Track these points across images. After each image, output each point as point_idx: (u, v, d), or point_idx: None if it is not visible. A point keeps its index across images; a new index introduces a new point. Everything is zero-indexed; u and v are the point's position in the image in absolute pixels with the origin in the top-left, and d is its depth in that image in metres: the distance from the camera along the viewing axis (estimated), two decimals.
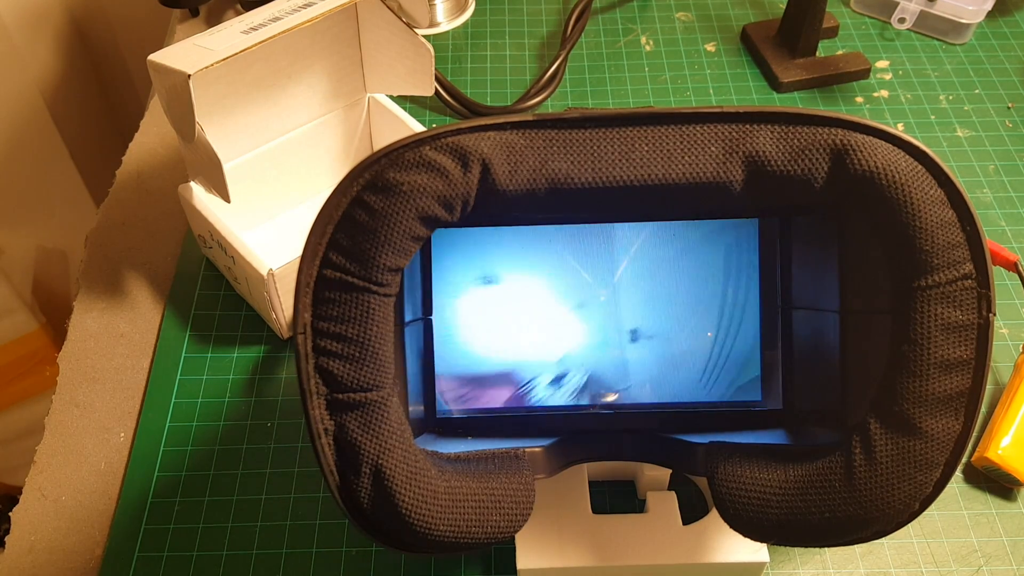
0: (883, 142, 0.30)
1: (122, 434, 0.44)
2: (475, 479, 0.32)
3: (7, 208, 0.78)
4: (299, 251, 0.32)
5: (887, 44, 0.64)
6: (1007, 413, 0.43)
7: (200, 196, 0.46)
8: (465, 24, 0.66)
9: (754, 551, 0.37)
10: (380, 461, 0.30)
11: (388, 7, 0.46)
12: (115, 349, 0.47)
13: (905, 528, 0.33)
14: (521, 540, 0.37)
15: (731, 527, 0.32)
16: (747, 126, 0.31)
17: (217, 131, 0.46)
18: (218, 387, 0.45)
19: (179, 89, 0.39)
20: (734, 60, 0.63)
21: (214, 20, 0.65)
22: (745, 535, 0.32)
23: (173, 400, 0.45)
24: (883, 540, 0.40)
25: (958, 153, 0.57)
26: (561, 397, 0.38)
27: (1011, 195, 0.54)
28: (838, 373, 0.35)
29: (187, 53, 0.39)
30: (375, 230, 0.30)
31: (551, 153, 0.30)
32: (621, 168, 0.30)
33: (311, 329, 0.30)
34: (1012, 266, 0.47)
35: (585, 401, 0.38)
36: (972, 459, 0.42)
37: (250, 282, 0.45)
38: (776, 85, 0.60)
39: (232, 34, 0.41)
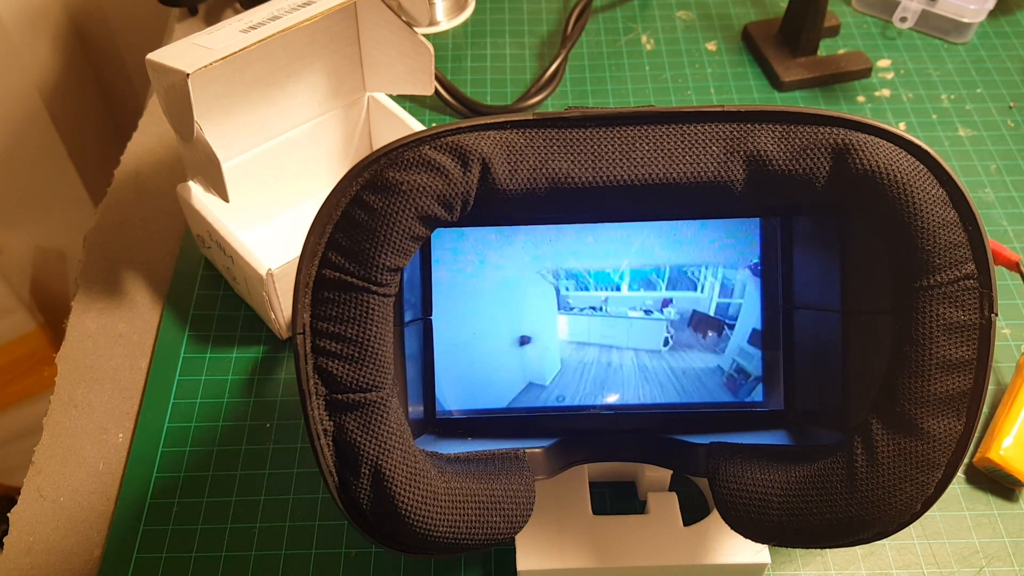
0: (885, 141, 0.30)
1: (120, 435, 0.44)
2: (475, 480, 0.32)
3: (5, 208, 0.77)
4: (298, 251, 0.32)
5: (889, 43, 0.64)
6: (1009, 413, 0.42)
7: (199, 196, 0.46)
8: (465, 23, 0.66)
9: (755, 552, 0.37)
10: (379, 462, 0.30)
11: (388, 6, 0.46)
12: (113, 349, 0.47)
13: (907, 529, 0.33)
14: (521, 541, 0.37)
15: (732, 528, 0.32)
16: (748, 125, 0.31)
17: (216, 130, 0.46)
18: (217, 388, 0.45)
19: (178, 88, 0.38)
20: (735, 59, 0.63)
21: (213, 19, 0.65)
22: (746, 536, 0.32)
23: (172, 401, 0.45)
24: (885, 541, 0.40)
25: (960, 152, 0.57)
26: (562, 397, 0.38)
27: (1013, 195, 0.54)
28: (840, 373, 0.35)
29: (186, 52, 0.39)
30: (374, 230, 0.29)
31: (551, 152, 0.30)
32: (622, 167, 0.30)
33: (310, 329, 0.30)
34: (1014, 266, 0.47)
35: (586, 402, 0.38)
36: (974, 460, 0.42)
37: (249, 282, 0.44)
38: (777, 84, 0.60)
39: (231, 33, 0.40)
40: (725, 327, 0.38)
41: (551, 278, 0.38)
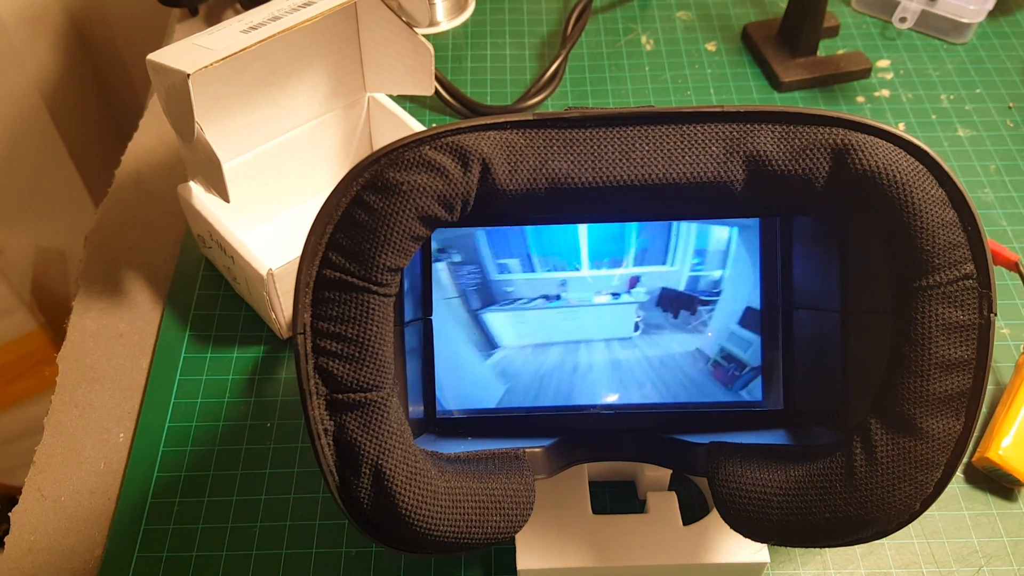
0: (884, 142, 0.30)
1: (121, 434, 0.44)
2: (475, 479, 0.32)
3: (6, 208, 0.78)
4: (299, 251, 0.32)
5: (888, 43, 0.64)
6: (1008, 413, 0.43)
7: (199, 196, 0.46)
8: (465, 23, 0.66)
9: (755, 551, 0.37)
10: (380, 461, 0.30)
11: (388, 6, 0.46)
12: (114, 349, 0.47)
13: (906, 528, 0.33)
14: (521, 540, 0.37)
15: (732, 527, 0.32)
16: (748, 126, 0.31)
17: (216, 131, 0.46)
18: (217, 387, 0.45)
19: (178, 88, 0.39)
20: (735, 59, 0.63)
21: (213, 19, 0.65)
22: (746, 535, 0.32)
23: (172, 400, 0.45)
24: (884, 540, 0.40)
25: (959, 153, 0.57)
26: (562, 397, 0.38)
27: (1012, 195, 0.54)
28: (839, 373, 0.35)
29: (186, 52, 0.39)
30: (375, 230, 0.29)
31: (551, 153, 0.30)
32: (621, 168, 0.30)
33: (311, 329, 0.30)
34: (1013, 266, 0.47)
35: (586, 401, 0.38)
36: (973, 459, 0.42)
37: (249, 282, 0.44)
38: (777, 84, 0.60)
39: (231, 33, 0.40)
40: (698, 304, 0.35)
41: (550, 277, 0.36)
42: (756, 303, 0.36)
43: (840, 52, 0.62)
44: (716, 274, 0.35)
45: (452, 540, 0.31)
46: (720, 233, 0.34)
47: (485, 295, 0.33)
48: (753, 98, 0.60)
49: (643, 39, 0.64)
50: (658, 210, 0.36)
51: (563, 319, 0.34)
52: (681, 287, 0.35)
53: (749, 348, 0.36)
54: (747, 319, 0.35)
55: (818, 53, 0.61)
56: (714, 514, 0.37)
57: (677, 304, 0.35)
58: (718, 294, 0.35)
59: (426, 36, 0.58)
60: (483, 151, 0.30)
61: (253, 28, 0.40)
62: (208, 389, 0.45)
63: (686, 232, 0.34)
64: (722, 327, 0.35)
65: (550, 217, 0.37)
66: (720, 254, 0.35)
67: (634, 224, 0.34)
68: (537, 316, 0.33)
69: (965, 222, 0.30)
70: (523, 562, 0.36)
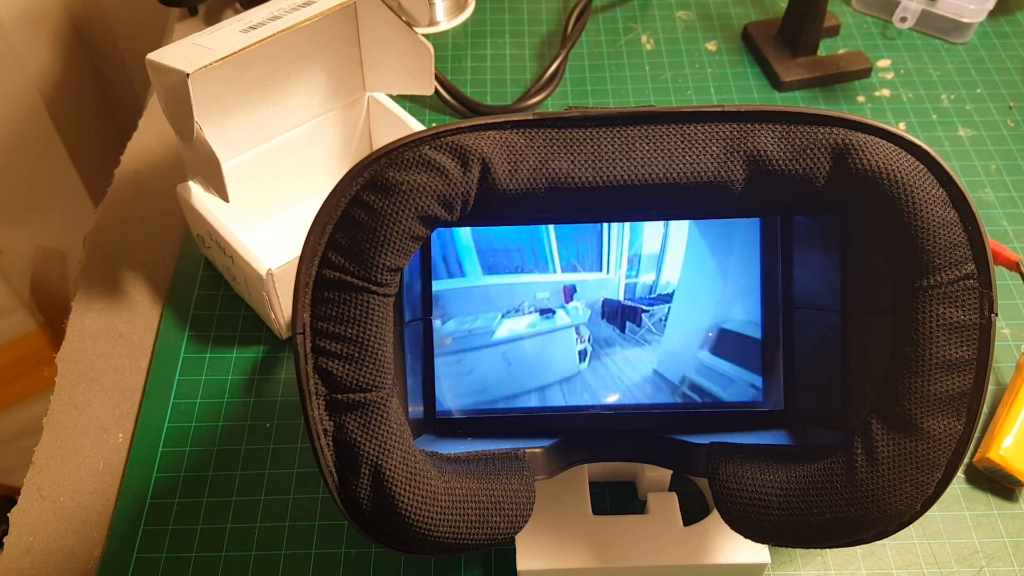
0: (885, 141, 0.30)
1: (120, 435, 0.44)
2: (475, 480, 0.32)
3: (5, 208, 0.77)
4: (298, 251, 0.32)
5: (889, 43, 0.64)
6: (1009, 413, 0.42)
7: (199, 196, 0.46)
8: (465, 23, 0.66)
9: (755, 552, 0.37)
10: (379, 462, 0.30)
11: (388, 6, 0.46)
12: (113, 349, 0.47)
13: (907, 529, 0.33)
14: (521, 541, 0.37)
15: (732, 528, 0.32)
16: (748, 125, 0.31)
17: (216, 130, 0.46)
18: (217, 388, 0.45)
19: (178, 88, 0.38)
20: (735, 59, 0.63)
21: (213, 19, 0.65)
22: (746, 536, 0.32)
23: (172, 400, 0.45)
24: (885, 541, 0.40)
25: (960, 152, 0.57)
26: (562, 397, 0.38)
27: (1013, 195, 0.54)
28: (840, 373, 0.35)
29: (186, 52, 0.39)
30: (374, 229, 0.29)
31: (551, 152, 0.30)
32: (621, 167, 0.30)
33: (310, 329, 0.30)
34: (1014, 266, 0.47)
35: (586, 401, 0.38)
36: (974, 460, 0.42)
37: (249, 282, 0.44)
38: (777, 84, 0.60)
39: (231, 33, 0.40)
40: (641, 313, 0.31)
41: (550, 277, 0.34)
42: (734, 325, 0.31)
43: (841, 52, 0.62)
44: (649, 278, 0.30)
45: (452, 541, 0.31)
46: (653, 236, 0.29)
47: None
48: (753, 98, 0.60)
49: (643, 39, 0.64)
50: (658, 210, 0.36)
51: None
52: (620, 297, 0.31)
53: (731, 386, 0.29)
54: (722, 345, 0.29)
55: (818, 53, 0.61)
56: (714, 515, 0.37)
57: (622, 316, 0.32)
58: (662, 300, 0.30)
59: (426, 36, 0.58)
60: (483, 151, 0.30)
61: (252, 28, 0.40)
62: (207, 389, 0.45)
63: (619, 235, 0.30)
64: (681, 350, 0.29)
65: (550, 217, 0.37)
66: (653, 257, 0.30)
67: (547, 226, 0.30)
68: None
69: (966, 222, 0.30)
70: (523, 563, 0.36)
